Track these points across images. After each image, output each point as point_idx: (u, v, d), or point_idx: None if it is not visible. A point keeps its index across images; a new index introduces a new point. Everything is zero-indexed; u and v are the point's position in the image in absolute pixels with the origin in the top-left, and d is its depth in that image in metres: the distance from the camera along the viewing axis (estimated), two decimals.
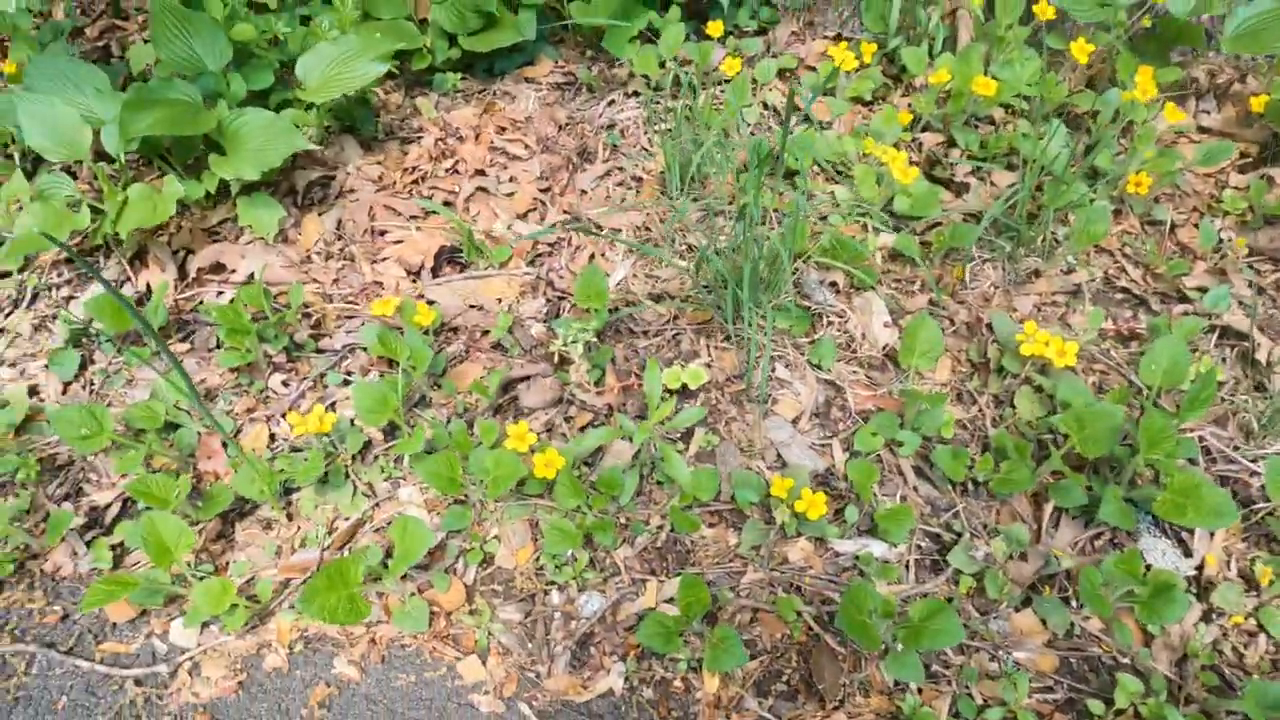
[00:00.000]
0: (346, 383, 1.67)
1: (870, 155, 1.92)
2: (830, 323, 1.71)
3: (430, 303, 1.81)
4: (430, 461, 1.36)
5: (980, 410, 1.58)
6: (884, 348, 1.66)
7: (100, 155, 1.85)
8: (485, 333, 1.74)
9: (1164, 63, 2.15)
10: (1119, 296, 1.79)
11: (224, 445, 1.57)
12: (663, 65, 2.26)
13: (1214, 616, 1.33)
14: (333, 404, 1.64)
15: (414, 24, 2.35)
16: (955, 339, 1.70)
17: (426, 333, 1.70)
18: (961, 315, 1.73)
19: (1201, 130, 2.15)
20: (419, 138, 2.24)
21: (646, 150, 2.14)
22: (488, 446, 1.48)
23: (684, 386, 1.57)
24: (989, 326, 1.70)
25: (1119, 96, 2.02)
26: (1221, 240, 1.90)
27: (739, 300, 1.61)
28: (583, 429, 1.57)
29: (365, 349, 1.71)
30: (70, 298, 1.87)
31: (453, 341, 1.73)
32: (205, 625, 1.33)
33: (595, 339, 1.62)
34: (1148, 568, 1.36)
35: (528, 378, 1.64)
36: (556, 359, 1.63)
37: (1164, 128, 2.11)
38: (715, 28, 2.25)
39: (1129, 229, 1.92)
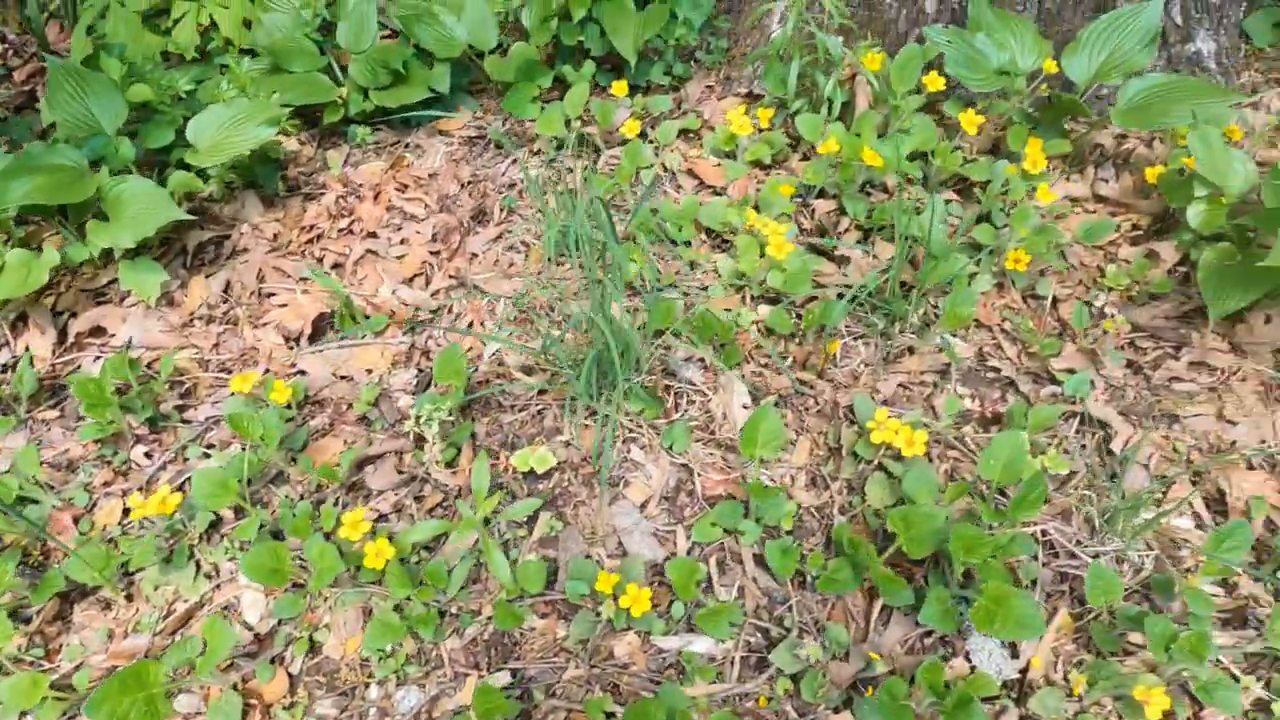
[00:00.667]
0: (208, 455, 1.68)
1: (753, 227, 1.92)
2: (692, 402, 1.71)
3: (300, 373, 1.81)
4: (254, 555, 1.37)
5: (831, 497, 1.58)
6: (741, 430, 1.65)
7: None
8: (351, 405, 1.75)
9: (1060, 133, 2.15)
10: (989, 375, 1.79)
11: (74, 521, 1.58)
12: (569, 124, 2.27)
13: None
14: (188, 479, 1.65)
15: (330, 77, 2.37)
16: (818, 419, 1.69)
17: (289, 406, 1.70)
18: (826, 394, 1.73)
19: (1099, 199, 2.15)
20: (321, 194, 2.26)
21: (541, 213, 2.14)
22: (324, 533, 1.49)
23: (532, 470, 1.57)
24: (849, 409, 1.69)
25: (1005, 167, 2.02)
26: (1107, 315, 1.89)
27: (594, 379, 1.61)
28: (431, 510, 1.57)
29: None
30: None
31: (318, 414, 1.74)
32: (21, 715, 1.33)
33: (451, 417, 1.62)
34: (972, 669, 1.35)
35: (380, 456, 1.64)
36: (413, 437, 1.64)
37: (1059, 197, 2.11)
38: (619, 87, 2.26)
39: (1011, 303, 1.92)
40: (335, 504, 1.58)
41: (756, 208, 2.04)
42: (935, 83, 2.05)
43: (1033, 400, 1.72)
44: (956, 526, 1.32)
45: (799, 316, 1.86)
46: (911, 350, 1.81)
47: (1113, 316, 1.86)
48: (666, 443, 1.62)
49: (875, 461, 1.60)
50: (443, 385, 1.68)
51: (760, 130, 2.16)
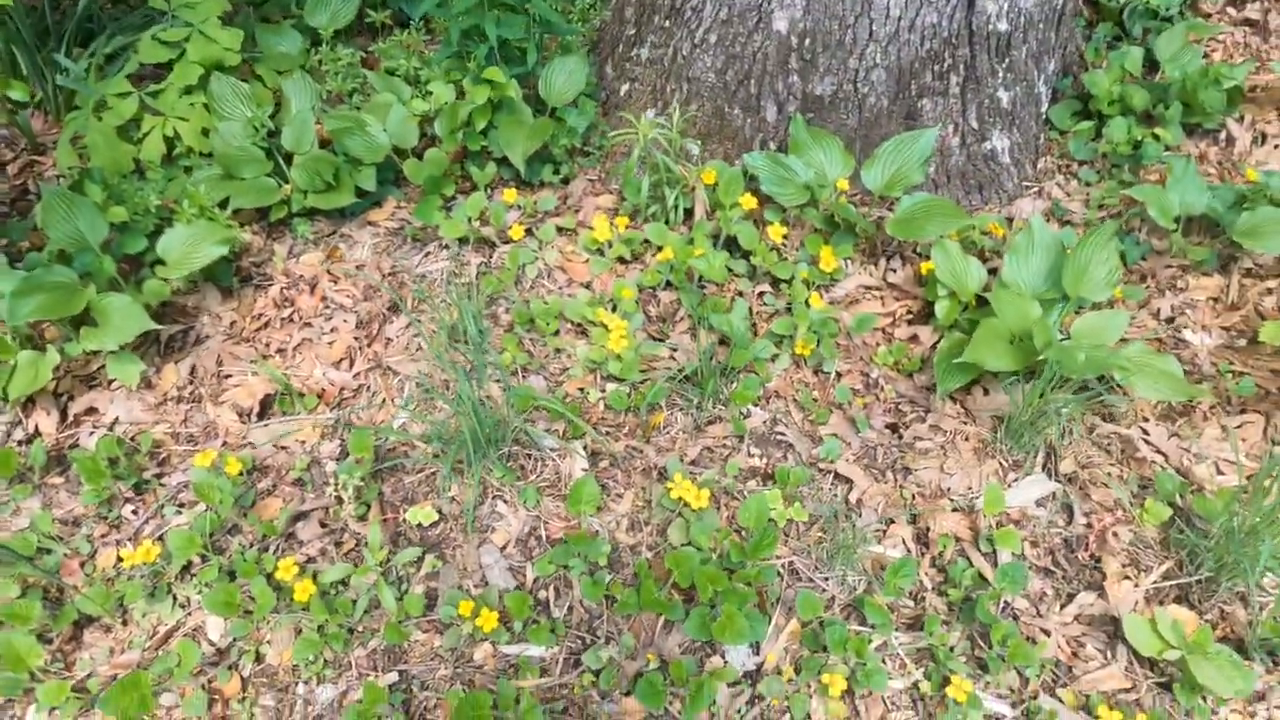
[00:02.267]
0: (180, 512, 2.23)
1: (603, 321, 2.48)
2: (546, 464, 2.27)
3: (250, 445, 2.36)
4: (214, 593, 1.93)
5: (644, 537, 2.15)
6: (568, 493, 2.22)
7: None
8: (288, 471, 2.30)
9: (853, 235, 2.71)
10: (776, 438, 2.36)
11: (80, 565, 2.12)
12: (470, 222, 2.81)
13: (759, 701, 1.90)
14: (166, 531, 2.19)
15: (277, 173, 2.89)
16: (641, 476, 2.26)
17: (241, 474, 2.25)
18: (650, 457, 2.30)
19: (889, 285, 2.72)
20: (269, 286, 2.79)
21: (445, 302, 2.69)
22: (266, 574, 2.04)
23: (420, 523, 2.13)
24: (663, 469, 2.26)
25: (804, 268, 2.58)
26: (879, 385, 2.47)
27: (471, 450, 2.17)
28: (347, 553, 2.13)
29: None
30: None
31: (263, 479, 2.29)
32: (52, 710, 1.88)
33: (363, 482, 2.18)
34: (725, 664, 1.93)
35: (310, 512, 2.20)
36: (335, 497, 2.19)
37: (854, 286, 2.68)
38: (510, 195, 2.80)
39: (804, 378, 2.49)
40: (275, 551, 2.14)
41: (613, 302, 2.59)
42: (749, 202, 2.61)
43: (805, 458, 2.30)
44: (702, 568, 1.90)
45: (635, 390, 2.42)
46: (719, 419, 2.38)
47: (881, 388, 2.44)
48: (523, 499, 2.19)
49: (676, 511, 2.17)
50: (357, 456, 2.23)
51: (619, 237, 2.71)
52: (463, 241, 2.84)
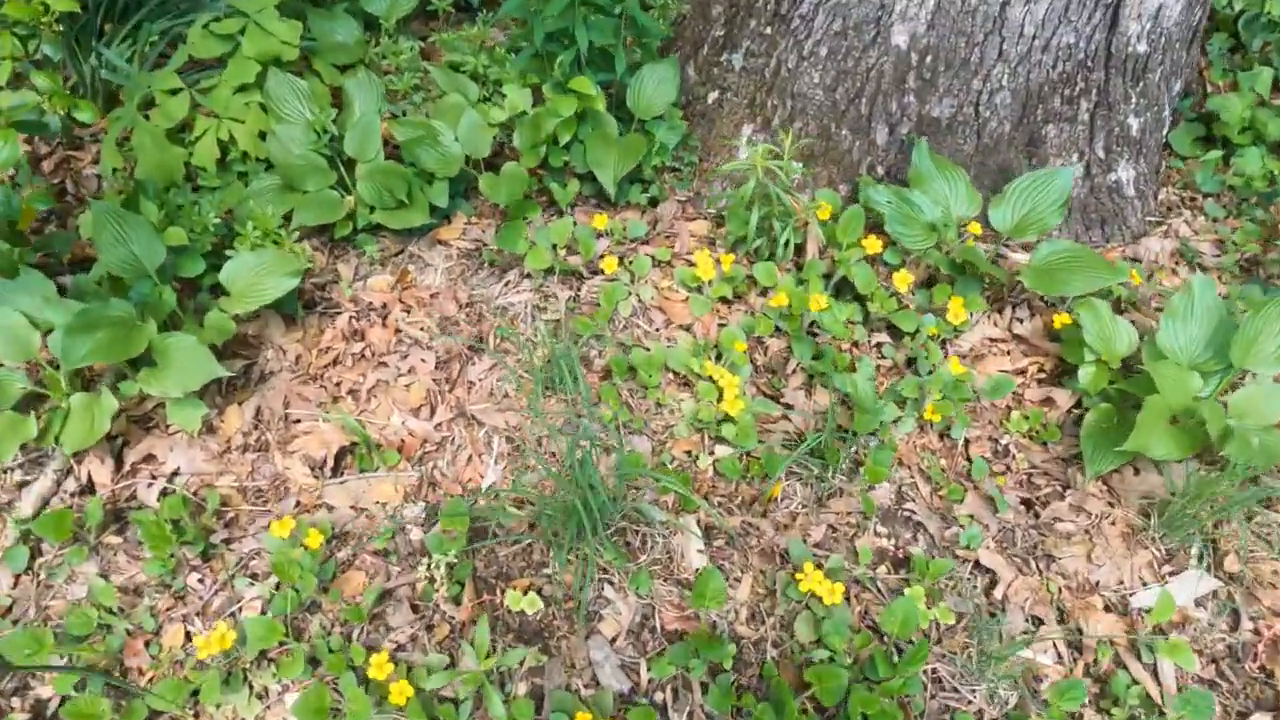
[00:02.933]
0: (252, 581, 2.02)
1: (711, 375, 2.25)
2: (655, 544, 2.06)
3: (327, 507, 2.14)
4: (303, 700, 1.73)
5: (766, 632, 1.95)
6: (696, 571, 2.01)
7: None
8: (370, 538, 2.09)
9: (980, 284, 2.46)
10: (904, 515, 2.15)
11: (145, 645, 1.92)
12: (555, 249, 2.56)
13: None
14: (239, 606, 1.99)
15: (340, 185, 2.64)
16: (760, 558, 2.05)
17: (323, 544, 2.04)
18: (768, 535, 2.09)
19: (1015, 337, 2.49)
20: (336, 314, 2.55)
21: (531, 342, 2.45)
22: (353, 666, 1.84)
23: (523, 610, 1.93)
24: (786, 552, 2.05)
25: (932, 321, 2.35)
26: (1010, 453, 2.25)
27: (580, 523, 1.95)
28: (441, 642, 1.93)
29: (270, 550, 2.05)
30: (23, 483, 2.19)
31: (343, 546, 2.08)
32: None
33: (456, 558, 1.97)
34: None
35: (396, 589, 1.99)
36: (428, 576, 1.98)
37: (979, 339, 2.45)
38: (600, 220, 2.55)
39: (928, 444, 2.27)
40: (361, 635, 1.93)
41: (718, 349, 2.36)
42: (873, 245, 2.36)
43: (938, 540, 2.09)
44: (855, 687, 1.70)
45: (748, 456, 2.20)
46: (842, 492, 2.17)
47: (1013, 456, 2.22)
48: (633, 585, 1.98)
49: (803, 603, 1.96)
50: (450, 530, 2.02)
51: (722, 270, 2.46)
52: (548, 271, 2.59)
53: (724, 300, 2.51)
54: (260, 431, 2.30)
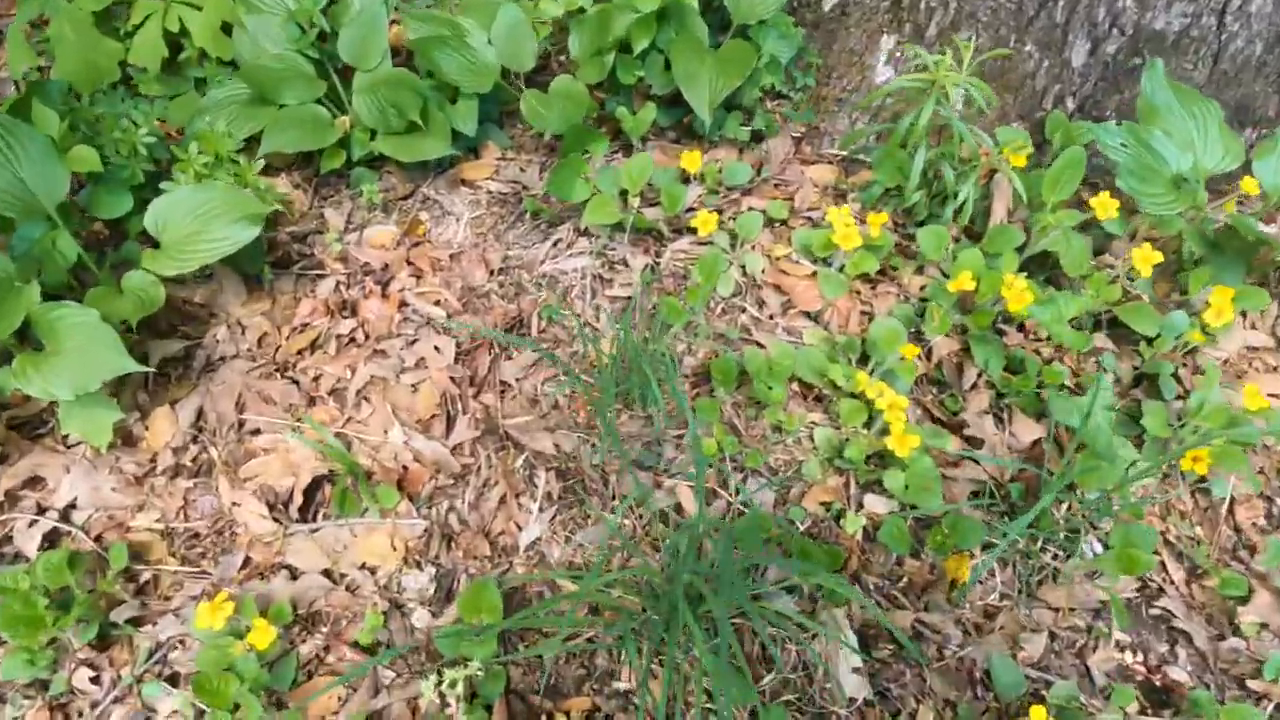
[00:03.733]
0: (170, 689, 1.32)
1: (861, 393, 1.52)
2: (786, 654, 1.35)
3: (290, 572, 1.44)
4: None
5: None
6: (850, 703, 1.30)
7: None
8: (350, 621, 1.38)
9: (1241, 264, 1.71)
10: (1155, 612, 1.43)
11: None
12: (625, 199, 1.82)
13: None
14: None
15: (331, 100, 1.91)
16: (943, 678, 1.34)
17: (279, 638, 1.34)
18: (954, 639, 1.37)
19: None
20: (319, 277, 1.83)
21: (592, 329, 1.72)
22: None
23: None
24: (985, 673, 1.34)
25: (1184, 322, 1.60)
26: None
27: (671, 615, 1.24)
28: None
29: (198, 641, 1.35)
30: None
31: (310, 635, 1.37)
32: None
33: (482, 668, 1.26)
34: None
35: (388, 713, 1.29)
36: (436, 694, 1.27)
37: (1236, 348, 1.70)
38: (691, 160, 1.82)
39: (1177, 504, 1.54)
40: None
41: (863, 349, 1.63)
42: (1107, 208, 1.61)
43: (1212, 663, 1.37)
44: None
45: (914, 519, 1.48)
46: (1057, 575, 1.44)
47: None
48: None
49: None
50: (474, 621, 1.31)
51: (869, 240, 1.71)
52: (615, 229, 1.85)
53: (865, 279, 1.77)
54: (201, 447, 1.59)
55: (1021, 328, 1.69)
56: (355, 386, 1.65)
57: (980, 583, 1.43)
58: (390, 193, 2.00)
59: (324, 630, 1.38)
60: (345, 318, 1.75)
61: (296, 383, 1.66)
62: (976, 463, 1.52)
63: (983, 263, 1.63)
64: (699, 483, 1.28)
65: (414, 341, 1.72)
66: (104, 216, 1.70)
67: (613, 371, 1.53)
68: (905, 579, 1.43)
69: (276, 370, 1.68)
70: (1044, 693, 1.32)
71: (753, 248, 1.80)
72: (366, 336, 1.73)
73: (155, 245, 1.59)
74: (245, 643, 1.26)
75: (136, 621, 1.38)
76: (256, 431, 1.61)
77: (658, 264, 1.82)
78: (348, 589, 1.42)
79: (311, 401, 1.65)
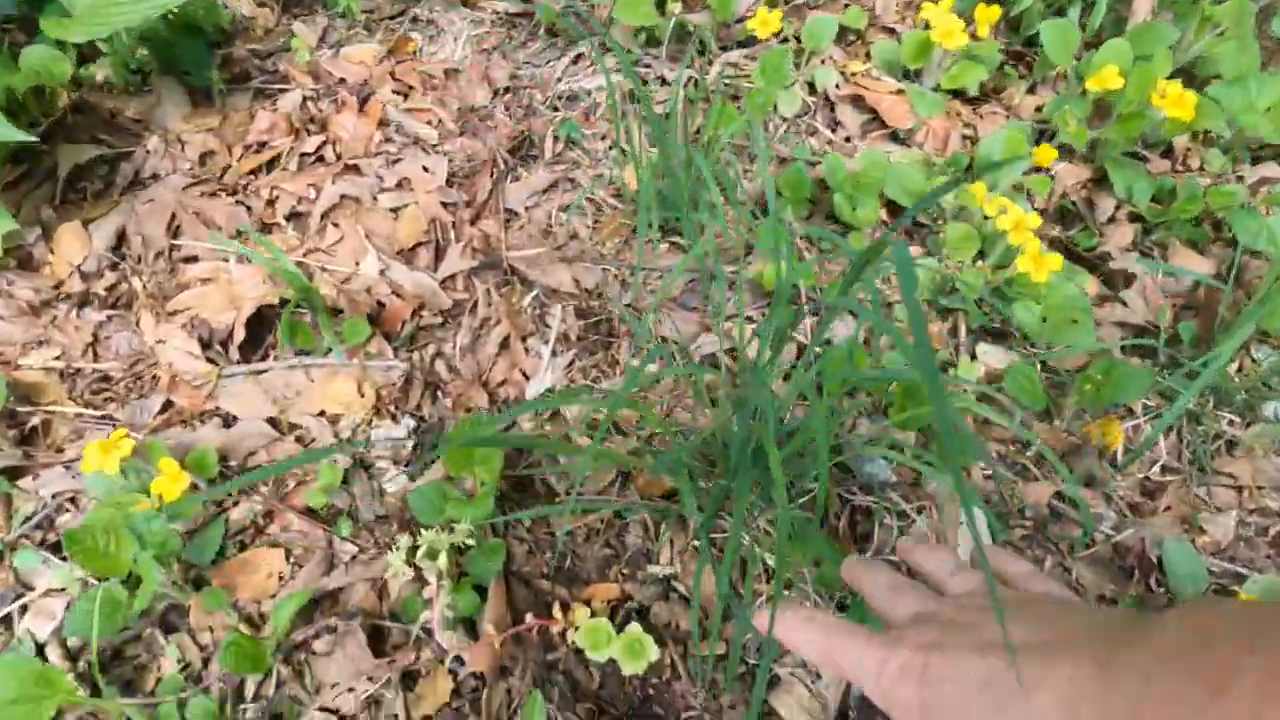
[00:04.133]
0: (48, 558, 0.98)
1: (973, 209, 1.17)
2: (883, 522, 1.00)
3: (224, 420, 1.09)
4: None
5: None
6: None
7: None
8: (302, 484, 1.04)
9: None
10: None
11: None
12: (663, 6, 1.46)
13: None
14: (19, 604, 0.95)
15: None
16: (1096, 570, 0.99)
17: (196, 487, 0.99)
18: (1108, 520, 1.02)
19: None
20: (281, 92, 1.47)
21: (622, 151, 1.37)
22: None
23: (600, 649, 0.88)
24: (1158, 561, 0.99)
25: None
26: None
27: (725, 487, 0.90)
28: (436, 715, 0.89)
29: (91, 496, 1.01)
30: None
31: (247, 497, 1.03)
32: None
33: (472, 544, 0.92)
34: None
35: (344, 596, 0.94)
36: (408, 567, 0.93)
37: None
38: None
39: None
40: (255, 693, 0.89)
41: (970, 169, 1.27)
42: None
43: None
44: None
45: (1051, 374, 1.12)
46: (1233, 445, 1.09)
47: None
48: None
49: None
50: (461, 479, 0.97)
51: (972, 50, 1.35)
52: (650, 41, 1.50)
53: (964, 99, 1.41)
54: (120, 275, 1.24)
55: (1168, 152, 1.33)
56: (320, 209, 1.30)
57: (1132, 442, 1.07)
58: (374, 13, 1.65)
59: (262, 494, 1.03)
60: (312, 134, 1.40)
61: (247, 206, 1.31)
62: (1124, 304, 1.16)
63: (1130, 59, 1.26)
64: (781, 281, 0.93)
65: (396, 161, 1.37)
66: None
67: (650, 190, 1.17)
68: (1038, 442, 1.07)
69: (222, 190, 1.33)
70: (1234, 588, 0.97)
71: (823, 61, 1.44)
72: (338, 156, 1.38)
73: (67, 15, 1.23)
74: (151, 497, 0.92)
75: (13, 474, 1.03)
76: (192, 259, 1.26)
77: (703, 78, 1.46)
78: (299, 441, 1.07)
79: (265, 228, 1.30)
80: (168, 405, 1.10)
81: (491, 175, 1.35)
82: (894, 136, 1.37)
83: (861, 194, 1.18)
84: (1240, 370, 1.15)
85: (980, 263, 1.16)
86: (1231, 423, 1.10)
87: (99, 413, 1.10)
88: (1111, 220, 1.26)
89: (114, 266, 1.25)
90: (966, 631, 0.41)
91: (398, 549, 0.88)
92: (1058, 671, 0.35)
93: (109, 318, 1.20)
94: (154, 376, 1.14)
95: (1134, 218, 1.26)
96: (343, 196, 1.31)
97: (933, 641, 0.41)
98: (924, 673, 0.40)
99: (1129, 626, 0.35)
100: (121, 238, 1.28)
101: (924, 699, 0.39)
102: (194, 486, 0.98)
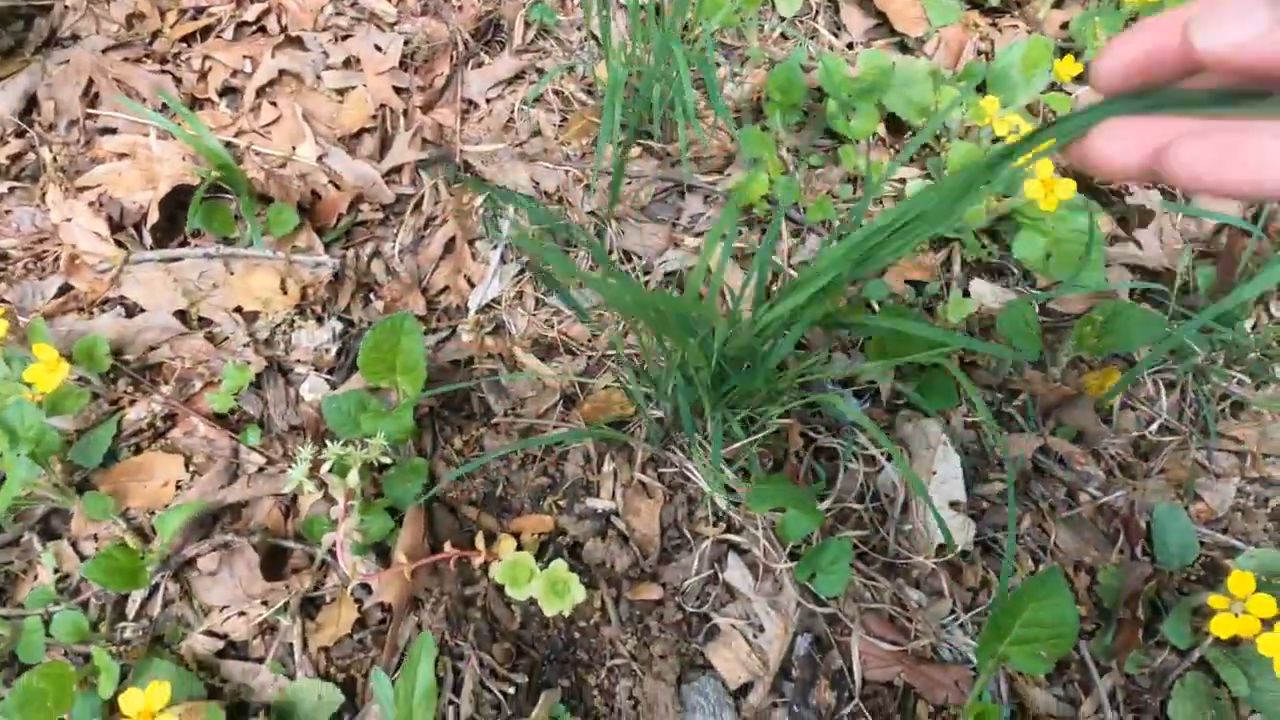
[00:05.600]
0: None
1: (982, 127, 1.04)
2: (847, 472, 0.90)
3: (126, 308, 0.98)
4: None
5: (1100, 704, 0.82)
6: (940, 552, 0.86)
7: None
8: (207, 383, 0.93)
9: None
10: None
11: None
12: None
13: None
14: None
15: None
16: (1077, 537, 0.90)
17: (82, 381, 0.89)
18: (1096, 479, 0.93)
19: None
20: None
21: (595, 40, 1.23)
22: (104, 699, 0.72)
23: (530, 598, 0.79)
24: (1147, 528, 0.90)
25: None
26: None
27: (681, 409, 0.80)
28: (328, 650, 0.80)
29: None
30: None
31: (146, 396, 0.92)
32: None
33: (390, 453, 0.82)
34: None
35: (247, 511, 0.85)
36: (315, 484, 0.83)
37: None
38: None
39: None
40: (138, 612, 0.81)
41: (984, 87, 1.14)
42: None
43: None
44: None
45: (1047, 319, 1.02)
46: (1238, 409, 0.99)
47: None
48: (804, 572, 0.83)
49: (1194, 656, 0.82)
50: (385, 388, 0.86)
51: None
52: None
53: (981, 9, 1.27)
54: (26, 144, 1.11)
55: None
56: (256, 84, 1.16)
57: (1131, 408, 0.98)
58: None
59: (165, 391, 0.92)
60: (254, 0, 1.25)
61: (176, 77, 1.18)
62: (1138, 245, 1.05)
63: None
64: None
65: (346, 37, 1.22)
66: None
67: (620, 81, 1.04)
68: (1027, 391, 0.97)
69: (148, 57, 1.19)
70: (1226, 562, 0.88)
71: None
72: (282, 27, 1.23)
73: None
74: (26, 386, 0.82)
75: None
76: (110, 131, 1.13)
77: None
78: (209, 338, 0.96)
79: (195, 103, 1.16)
80: (65, 289, 0.99)
81: (451, 60, 1.21)
82: (902, 46, 1.23)
83: (859, 101, 1.06)
84: (1255, 327, 1.04)
85: (983, 188, 1.05)
86: (1241, 383, 1.00)
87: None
88: None
89: (20, 134, 1.12)
90: None
91: (300, 461, 0.78)
92: None
93: (10, 190, 1.08)
94: (56, 259, 1.02)
95: None
96: (282, 72, 1.17)
97: None
98: None
99: None
100: (31, 102, 1.14)
101: None
102: (81, 380, 0.88)
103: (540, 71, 1.20)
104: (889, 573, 0.86)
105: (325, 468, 0.78)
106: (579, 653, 0.81)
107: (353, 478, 0.79)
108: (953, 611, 0.85)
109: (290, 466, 0.84)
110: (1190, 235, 1.09)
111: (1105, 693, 0.82)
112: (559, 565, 0.78)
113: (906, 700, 0.81)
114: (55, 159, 1.10)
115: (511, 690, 0.79)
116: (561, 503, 0.89)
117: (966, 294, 1.03)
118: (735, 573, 0.84)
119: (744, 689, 0.80)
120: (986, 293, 1.03)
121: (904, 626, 0.84)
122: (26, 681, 0.69)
